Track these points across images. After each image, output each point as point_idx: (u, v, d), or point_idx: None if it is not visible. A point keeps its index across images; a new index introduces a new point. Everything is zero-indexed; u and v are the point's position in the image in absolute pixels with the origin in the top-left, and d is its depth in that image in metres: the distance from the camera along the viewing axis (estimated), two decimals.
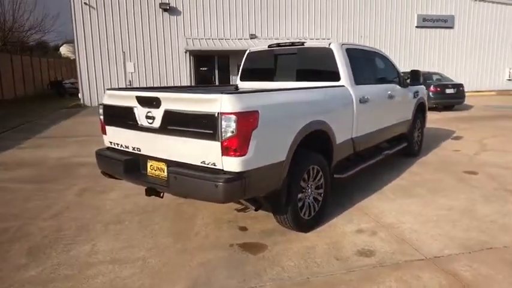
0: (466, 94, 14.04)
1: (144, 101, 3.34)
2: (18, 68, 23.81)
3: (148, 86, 18.48)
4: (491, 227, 3.84)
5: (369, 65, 5.13)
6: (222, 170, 2.95)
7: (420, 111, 6.75)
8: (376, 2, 21.08)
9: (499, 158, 6.66)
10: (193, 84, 18.52)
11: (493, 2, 22.33)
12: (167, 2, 18.44)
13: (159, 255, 3.38)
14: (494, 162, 6.37)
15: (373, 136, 5.03)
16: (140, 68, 18.77)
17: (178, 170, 3.10)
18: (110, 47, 18.23)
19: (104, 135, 4.02)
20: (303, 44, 4.81)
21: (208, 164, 3.00)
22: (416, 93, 6.49)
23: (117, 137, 3.77)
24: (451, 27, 21.57)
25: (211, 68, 19.96)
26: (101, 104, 3.91)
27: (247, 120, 2.85)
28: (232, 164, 2.89)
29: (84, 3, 17.62)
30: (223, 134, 2.84)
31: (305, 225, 3.72)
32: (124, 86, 17.89)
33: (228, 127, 2.82)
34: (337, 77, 4.45)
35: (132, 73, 18.67)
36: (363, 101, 4.55)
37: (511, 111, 13.90)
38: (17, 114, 14.87)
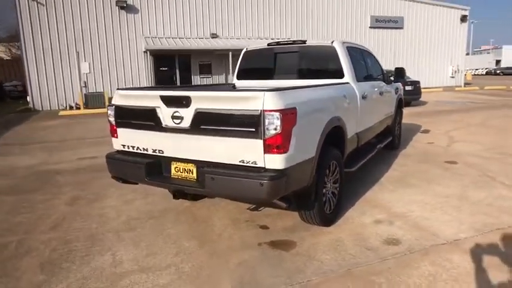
0: None
1: (170, 101, 3.21)
2: None
3: (105, 86, 17.64)
4: (491, 210, 4.17)
5: (363, 62, 5.33)
6: (263, 168, 2.92)
7: (399, 106, 7.14)
8: (333, 2, 21.83)
9: (469, 148, 7.23)
10: (178, 85, 17.95)
11: (437, 5, 24.11)
12: None
13: (190, 260, 3.28)
14: (467, 152, 6.90)
15: (370, 131, 5.25)
16: (96, 68, 17.83)
17: (216, 170, 3.02)
18: (62, 47, 17.11)
19: (113, 138, 3.79)
20: (304, 42, 4.89)
21: (247, 163, 2.95)
22: (396, 90, 6.85)
23: (132, 139, 3.58)
24: (401, 28, 22.96)
25: (172, 68, 19.48)
26: (111, 105, 3.68)
27: (289, 117, 2.85)
28: (275, 162, 2.88)
29: None
30: (266, 132, 2.82)
31: (328, 219, 3.80)
32: (79, 88, 16.91)
33: (272, 124, 2.80)
34: (341, 75, 4.58)
35: (87, 74, 17.68)
36: (363, 97, 4.73)
37: (461, 106, 15.12)
38: None
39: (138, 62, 18.54)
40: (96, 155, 7.54)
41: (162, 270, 3.13)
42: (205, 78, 20.19)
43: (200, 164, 3.20)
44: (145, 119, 3.39)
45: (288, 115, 2.85)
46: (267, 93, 2.82)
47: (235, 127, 2.94)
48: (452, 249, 3.32)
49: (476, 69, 61.35)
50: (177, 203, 4.66)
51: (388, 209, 4.29)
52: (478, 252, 3.25)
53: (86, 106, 16.39)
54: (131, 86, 18.25)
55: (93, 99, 16.75)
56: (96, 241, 3.70)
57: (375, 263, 3.13)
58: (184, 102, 3.11)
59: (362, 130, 4.83)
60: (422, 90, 15.50)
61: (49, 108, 17.15)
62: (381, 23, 22.48)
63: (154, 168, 3.45)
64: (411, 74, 21.72)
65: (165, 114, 3.25)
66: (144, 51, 18.03)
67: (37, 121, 13.60)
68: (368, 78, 5.34)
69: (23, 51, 16.91)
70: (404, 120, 10.98)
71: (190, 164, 3.27)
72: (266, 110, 2.79)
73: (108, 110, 3.75)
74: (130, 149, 3.62)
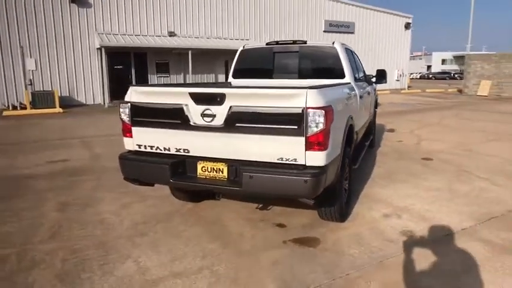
0: None
1: (201, 98, 3.09)
2: None
3: (54, 85, 16.42)
4: (480, 201, 4.56)
5: (354, 63, 5.55)
6: (304, 165, 2.93)
7: (375, 106, 7.52)
8: (290, 6, 22.32)
9: (438, 146, 7.82)
10: (107, 84, 17.03)
11: (384, 12, 25.67)
12: None
13: (221, 262, 3.19)
14: (437, 150, 7.46)
15: (363, 129, 5.48)
16: (44, 65, 16.51)
17: (255, 168, 2.97)
18: (3, 41, 15.60)
19: (126, 138, 3.56)
20: (305, 42, 4.97)
21: (287, 160, 2.95)
22: (374, 90, 7.21)
23: (152, 138, 3.39)
24: (353, 33, 24.12)
25: (127, 66, 18.65)
26: (125, 103, 3.46)
27: (329, 114, 2.90)
28: (316, 159, 2.91)
29: None
30: (309, 129, 2.83)
31: (344, 215, 3.90)
32: (24, 85, 15.53)
33: (314, 122, 2.82)
34: (342, 75, 4.73)
35: (33, 71, 16.30)
36: (361, 96, 4.93)
37: (413, 107, 16.25)
38: None
39: (91, 60, 17.50)
40: (67, 158, 7.03)
41: (196, 273, 3.01)
42: (162, 78, 19.62)
43: (232, 163, 3.13)
44: (169, 117, 3.23)
45: (329, 112, 2.89)
46: (309, 90, 2.83)
47: (274, 124, 2.92)
48: (465, 237, 3.59)
49: (411, 74, 66.33)
50: (178, 205, 4.51)
51: (390, 204, 4.50)
52: (487, 239, 3.53)
53: (34, 106, 15.10)
54: (78, 85, 17.22)
55: (42, 99, 15.45)
56: (109, 249, 3.45)
57: (400, 255, 3.28)
58: (219, 99, 3.02)
59: (359, 129, 5.02)
60: None
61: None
62: (334, 27, 23.43)
63: (179, 169, 3.30)
64: None
65: (193, 112, 3.13)
66: (98, 48, 17.07)
67: None
68: (359, 78, 5.56)
69: None
70: None
71: (221, 163, 3.18)
72: (309, 108, 2.81)
73: (120, 108, 3.52)
74: (148, 149, 3.43)
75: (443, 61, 79.98)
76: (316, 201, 3.43)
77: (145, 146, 3.44)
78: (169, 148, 3.33)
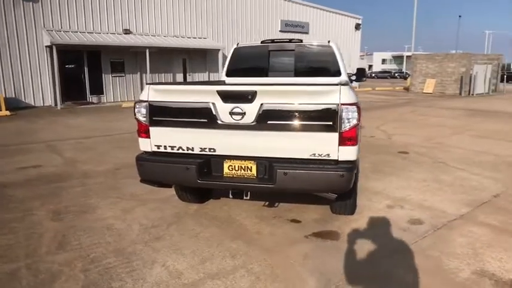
0: None
1: (231, 96, 3.05)
2: None
3: None
4: (466, 189, 4.97)
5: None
6: (336, 160, 3.02)
7: None
8: (246, 5, 22.41)
9: (409, 140, 8.35)
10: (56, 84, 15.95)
11: (336, 13, 26.70)
12: None
13: (252, 261, 3.18)
14: (410, 143, 7.96)
15: None
16: None
17: (289, 165, 3.01)
18: None
19: (142, 139, 3.41)
20: (301, 41, 5.06)
21: (320, 156, 3.01)
22: None
23: (173, 138, 3.28)
24: (307, 33, 24.78)
25: (79, 65, 17.59)
26: (141, 102, 3.30)
27: (360, 111, 3.01)
28: (348, 154, 3.01)
29: None
30: (343, 125, 2.92)
31: (355, 208, 4.06)
32: None
33: (348, 118, 2.92)
34: (338, 73, 4.90)
35: None
36: None
37: (370, 105, 17.08)
38: None
39: (39, 59, 16.26)
40: (38, 164, 6.52)
41: (232, 273, 2.98)
42: (117, 77, 18.77)
43: (261, 161, 3.13)
44: (194, 116, 3.15)
45: (360, 108, 3.00)
46: (342, 87, 2.92)
47: (307, 121, 2.97)
48: (467, 222, 3.90)
49: None
50: (183, 207, 4.41)
51: (388, 195, 4.75)
52: (486, 223, 3.87)
53: None
54: (26, 86, 15.98)
55: None
56: (130, 255, 3.29)
57: (419, 240, 3.50)
58: (250, 97, 3.00)
59: None
60: None
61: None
62: (290, 27, 23.93)
63: (205, 169, 3.23)
64: None
65: (221, 110, 3.08)
66: (47, 46, 15.93)
67: None
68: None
69: None
70: None
71: (249, 161, 3.17)
72: (343, 104, 2.90)
73: (135, 107, 3.36)
74: (169, 150, 3.32)
75: (383, 61, 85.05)
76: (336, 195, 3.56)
77: (165, 146, 3.32)
78: (192, 148, 3.25)
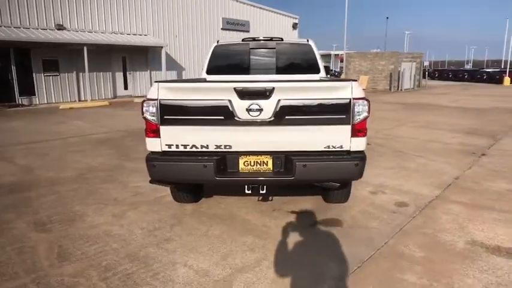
0: None
1: (248, 93, 3.10)
2: None
3: None
4: (430, 174, 5.56)
5: None
6: (348, 151, 3.23)
7: None
8: (189, 2, 22.00)
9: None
10: None
11: (275, 12, 27.35)
12: None
13: (272, 252, 3.28)
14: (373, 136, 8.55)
15: None
16: None
17: (307, 157, 3.15)
18: None
19: (150, 139, 3.30)
20: (282, 39, 5.22)
21: (334, 148, 3.20)
22: None
23: (186, 137, 3.23)
24: (248, 31, 25.06)
25: (6, 64, 15.89)
26: (150, 100, 3.20)
27: (370, 103, 3.25)
28: (359, 144, 3.25)
29: None
30: (355, 118, 3.15)
31: (349, 196, 4.34)
32: None
33: (360, 111, 3.15)
34: (317, 70, 5.15)
35: None
36: None
37: None
38: None
39: None
40: None
41: (258, 265, 3.06)
42: (51, 77, 17.30)
43: (277, 155, 3.24)
44: (210, 113, 3.15)
45: (369, 102, 3.25)
46: (353, 83, 3.14)
47: (322, 115, 3.14)
48: (444, 201, 4.40)
49: None
50: (177, 208, 4.36)
51: (367, 183, 5.11)
52: (459, 201, 4.41)
53: None
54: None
55: None
56: (146, 259, 3.19)
57: (413, 220, 3.88)
58: (268, 93, 3.09)
59: None
60: None
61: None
62: (231, 25, 24.03)
63: (221, 165, 3.24)
64: None
65: (238, 107, 3.12)
66: None
67: None
68: None
69: None
70: None
71: (265, 156, 3.26)
72: (355, 98, 3.12)
73: (143, 106, 3.24)
74: (181, 148, 3.26)
75: None
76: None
77: (177, 145, 3.26)
78: (207, 145, 3.24)
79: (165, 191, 4.86)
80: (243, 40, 5.33)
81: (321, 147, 3.22)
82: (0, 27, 15.25)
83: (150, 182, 3.44)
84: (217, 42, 5.41)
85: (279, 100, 3.11)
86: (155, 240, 3.54)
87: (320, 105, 3.14)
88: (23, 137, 8.90)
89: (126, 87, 20.16)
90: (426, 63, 38.75)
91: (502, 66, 50.35)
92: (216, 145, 3.24)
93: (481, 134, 8.75)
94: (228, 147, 3.24)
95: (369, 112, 3.21)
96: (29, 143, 8.16)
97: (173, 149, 3.28)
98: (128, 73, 20.15)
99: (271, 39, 5.28)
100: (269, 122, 3.14)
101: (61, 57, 17.39)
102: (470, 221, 3.84)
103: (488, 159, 6.41)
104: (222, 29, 23.76)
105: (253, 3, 25.56)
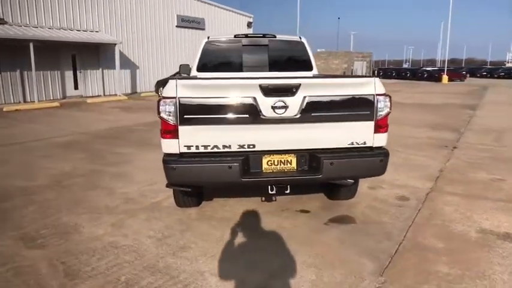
0: None
1: (273, 90, 2.97)
2: None
3: None
4: (416, 167, 5.80)
5: None
6: (371, 147, 3.24)
7: None
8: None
9: None
10: None
11: (230, 11, 27.11)
12: None
13: (299, 253, 3.19)
14: None
15: None
16: None
17: (334, 155, 3.10)
18: None
19: (166, 140, 3.05)
20: (274, 36, 5.13)
21: (358, 144, 3.19)
22: None
23: (207, 137, 3.03)
24: (203, 29, 24.59)
25: None
26: (168, 98, 2.95)
27: (391, 99, 3.27)
28: (381, 140, 3.27)
29: None
30: (378, 114, 3.16)
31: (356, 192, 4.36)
32: None
33: (382, 107, 3.17)
34: (310, 67, 5.15)
35: None
36: None
37: None
38: None
39: None
40: None
41: (290, 268, 2.95)
42: None
43: (302, 153, 3.16)
44: (234, 111, 2.99)
45: (391, 98, 3.27)
46: (376, 79, 3.15)
47: (347, 111, 3.12)
48: (441, 193, 4.60)
49: None
50: (181, 213, 4.13)
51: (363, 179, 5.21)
52: (453, 191, 4.63)
53: None
54: None
55: None
56: (168, 270, 2.96)
57: (418, 214, 4.00)
58: (294, 90, 2.99)
59: None
60: None
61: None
62: (186, 22, 23.43)
63: (245, 166, 3.09)
64: None
65: (263, 104, 2.99)
66: None
67: None
68: None
69: None
70: None
71: (289, 155, 3.16)
72: (378, 94, 3.13)
73: (160, 104, 2.99)
74: (202, 149, 3.06)
75: None
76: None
77: (197, 146, 3.05)
78: (229, 145, 3.07)
79: (159, 196, 4.60)
80: (235, 37, 5.17)
81: (345, 144, 3.19)
82: None
83: (167, 186, 3.20)
84: (208, 38, 5.20)
85: (305, 97, 3.03)
86: (170, 249, 3.29)
87: (344, 101, 3.11)
88: None
89: (76, 87, 18.85)
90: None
91: (437, 65, 54.50)
92: (239, 145, 3.08)
93: (445, 128, 9.33)
94: (251, 146, 3.10)
95: (390, 108, 3.24)
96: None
97: (192, 150, 3.06)
98: (78, 72, 18.85)
99: (263, 36, 5.18)
100: (295, 119, 3.05)
101: (1, 54, 15.83)
102: (472, 211, 4.04)
103: (461, 152, 6.84)
104: (177, 26, 23.10)
105: (208, 1, 25.16)
